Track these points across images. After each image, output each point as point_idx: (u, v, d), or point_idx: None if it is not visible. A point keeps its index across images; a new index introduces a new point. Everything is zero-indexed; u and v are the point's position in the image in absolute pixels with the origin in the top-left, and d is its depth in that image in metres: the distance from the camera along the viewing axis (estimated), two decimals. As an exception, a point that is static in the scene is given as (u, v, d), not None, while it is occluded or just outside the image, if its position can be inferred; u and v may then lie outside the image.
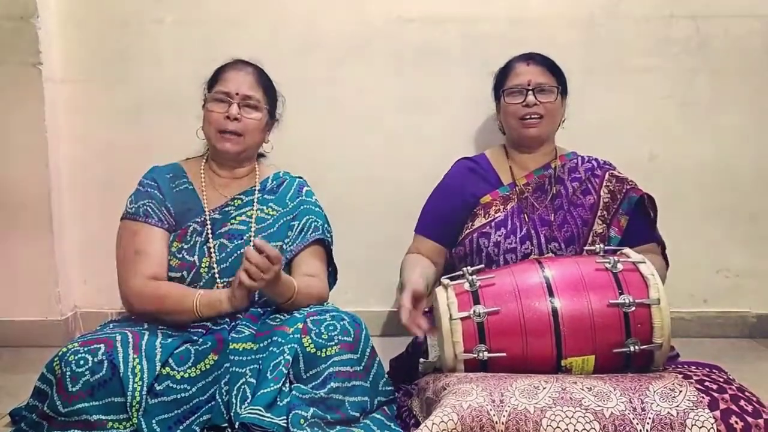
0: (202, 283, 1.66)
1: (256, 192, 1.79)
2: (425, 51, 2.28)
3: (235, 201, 1.76)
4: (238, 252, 1.67)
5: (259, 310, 1.67)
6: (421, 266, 1.77)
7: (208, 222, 1.71)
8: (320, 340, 1.49)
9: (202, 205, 1.73)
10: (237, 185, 1.79)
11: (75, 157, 2.32)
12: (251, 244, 1.54)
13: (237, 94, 1.71)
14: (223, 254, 1.68)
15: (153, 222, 1.69)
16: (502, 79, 1.88)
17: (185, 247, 1.69)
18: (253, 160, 1.83)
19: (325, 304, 1.71)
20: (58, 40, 2.25)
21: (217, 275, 1.66)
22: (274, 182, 1.83)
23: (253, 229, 1.72)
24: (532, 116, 1.81)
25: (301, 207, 1.79)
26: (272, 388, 1.42)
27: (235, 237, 1.69)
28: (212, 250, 1.69)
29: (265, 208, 1.77)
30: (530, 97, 1.80)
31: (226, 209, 1.75)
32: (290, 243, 1.74)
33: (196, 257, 1.68)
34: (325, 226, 1.80)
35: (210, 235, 1.70)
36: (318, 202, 1.85)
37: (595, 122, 2.25)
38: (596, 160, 1.90)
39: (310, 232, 1.75)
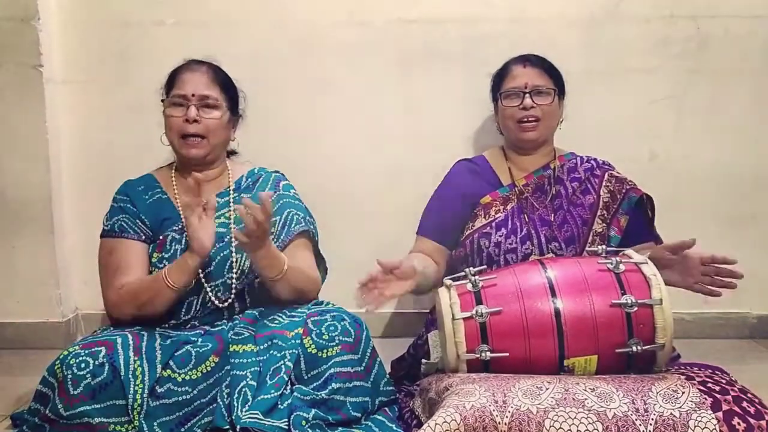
0: (189, 290, 1.62)
1: (231, 192, 1.76)
2: (425, 51, 2.27)
3: None
4: (221, 255, 1.66)
5: (255, 312, 1.66)
6: (419, 258, 1.76)
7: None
8: (321, 341, 1.50)
9: (177, 213, 1.70)
10: (211, 188, 1.75)
11: (76, 158, 2.31)
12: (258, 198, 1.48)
13: (194, 95, 1.67)
14: (206, 258, 1.64)
15: (129, 236, 1.67)
16: (499, 82, 1.88)
17: (166, 256, 1.66)
18: (222, 160, 1.79)
19: (325, 303, 1.70)
20: (58, 42, 2.25)
21: (203, 280, 1.65)
22: (249, 180, 1.80)
23: (233, 231, 1.68)
24: (529, 119, 1.80)
25: (281, 202, 1.76)
26: (272, 395, 1.41)
27: (216, 240, 1.62)
28: None
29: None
30: (527, 100, 1.79)
31: None
32: (275, 239, 1.70)
33: None
34: (308, 217, 1.78)
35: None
36: (297, 195, 1.81)
37: (595, 122, 2.24)
38: (595, 160, 1.90)
39: (293, 225, 1.73)
